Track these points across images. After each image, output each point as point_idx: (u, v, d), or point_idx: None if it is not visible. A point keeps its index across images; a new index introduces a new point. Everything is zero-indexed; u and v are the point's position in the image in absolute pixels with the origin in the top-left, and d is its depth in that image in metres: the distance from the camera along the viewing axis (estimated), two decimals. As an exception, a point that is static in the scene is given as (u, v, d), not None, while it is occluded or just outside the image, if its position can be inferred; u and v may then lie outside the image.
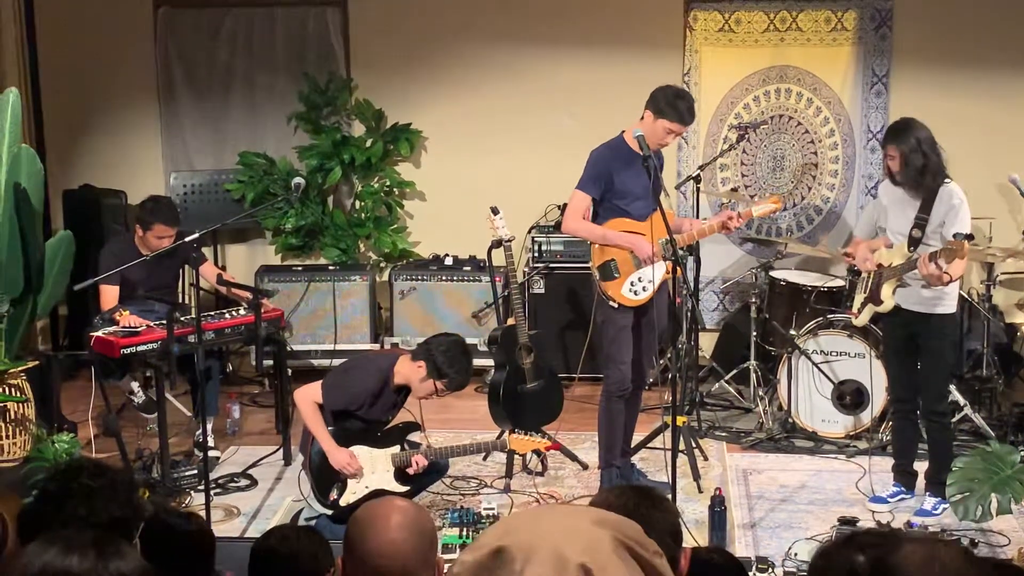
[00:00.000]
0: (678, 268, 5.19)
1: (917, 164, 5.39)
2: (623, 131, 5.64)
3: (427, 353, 5.31)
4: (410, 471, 5.39)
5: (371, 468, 5.37)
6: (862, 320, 5.86)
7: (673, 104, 5.46)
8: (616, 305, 5.63)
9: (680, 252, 5.21)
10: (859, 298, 5.82)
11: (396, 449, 5.43)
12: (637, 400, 5.97)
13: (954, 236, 5.23)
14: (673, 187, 7.43)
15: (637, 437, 6.15)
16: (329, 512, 5.33)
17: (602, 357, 5.85)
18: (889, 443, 6.22)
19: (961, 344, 7.02)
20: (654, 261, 5.53)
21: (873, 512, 5.64)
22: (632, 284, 5.62)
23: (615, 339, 5.69)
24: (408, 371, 5.35)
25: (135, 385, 6.68)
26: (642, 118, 5.53)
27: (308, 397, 5.33)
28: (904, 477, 5.84)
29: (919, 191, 5.45)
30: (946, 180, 5.43)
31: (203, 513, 5.21)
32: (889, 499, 5.78)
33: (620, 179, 5.56)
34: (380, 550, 2.42)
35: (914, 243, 5.48)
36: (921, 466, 5.83)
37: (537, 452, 5.82)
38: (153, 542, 2.98)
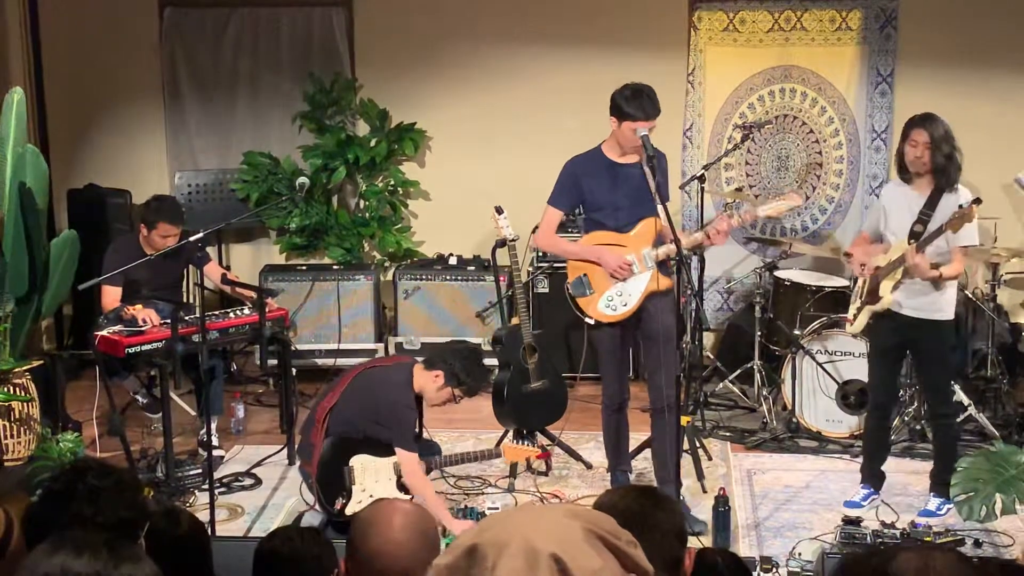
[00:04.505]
0: (682, 269, 5.17)
1: (945, 151, 5.32)
2: (602, 141, 5.48)
3: (444, 363, 5.37)
4: None
5: (375, 477, 5.39)
6: (857, 327, 5.75)
7: (632, 101, 5.21)
8: (593, 322, 5.45)
9: (684, 253, 5.15)
10: (854, 305, 5.76)
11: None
12: (661, 423, 5.39)
13: (960, 206, 5.21)
14: (677, 187, 7.41)
15: (641, 437, 6.12)
16: (339, 520, 5.35)
17: None
18: (893, 443, 6.20)
19: (966, 344, 7.01)
20: (623, 276, 5.32)
21: (872, 513, 5.62)
22: (610, 299, 5.39)
23: (600, 355, 5.59)
24: (423, 381, 5.39)
25: (136, 387, 6.69)
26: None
27: (413, 468, 5.32)
28: (873, 479, 5.83)
29: (933, 182, 5.38)
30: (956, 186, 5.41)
31: (207, 512, 5.25)
32: (863, 502, 5.75)
33: (591, 191, 5.40)
34: (382, 551, 2.43)
35: (915, 237, 5.40)
36: (926, 466, 5.82)
37: (528, 461, 5.81)
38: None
